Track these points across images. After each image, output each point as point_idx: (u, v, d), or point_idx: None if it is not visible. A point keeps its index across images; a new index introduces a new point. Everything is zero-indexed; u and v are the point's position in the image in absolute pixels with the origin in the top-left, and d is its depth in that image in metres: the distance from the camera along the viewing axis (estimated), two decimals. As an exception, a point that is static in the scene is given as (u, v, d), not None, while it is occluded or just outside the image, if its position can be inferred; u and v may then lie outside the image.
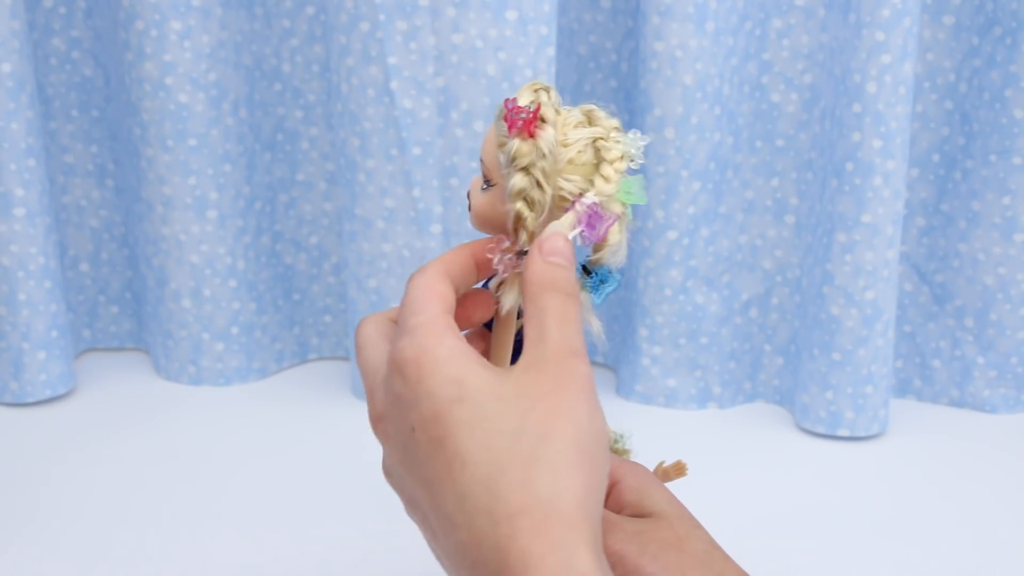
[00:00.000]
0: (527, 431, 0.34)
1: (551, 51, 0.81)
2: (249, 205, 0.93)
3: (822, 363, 0.85)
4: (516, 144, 0.41)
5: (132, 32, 0.85)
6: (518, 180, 0.41)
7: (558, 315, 0.37)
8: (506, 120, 0.41)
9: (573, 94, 0.92)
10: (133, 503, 0.73)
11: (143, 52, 0.85)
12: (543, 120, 0.41)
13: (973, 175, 0.87)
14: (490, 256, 0.42)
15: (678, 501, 0.46)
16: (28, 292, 0.87)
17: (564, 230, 0.40)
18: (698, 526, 0.45)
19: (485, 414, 0.35)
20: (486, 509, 0.34)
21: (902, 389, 0.95)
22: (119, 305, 1.02)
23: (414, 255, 0.85)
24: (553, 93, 0.42)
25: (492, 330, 0.45)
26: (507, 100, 0.42)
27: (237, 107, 0.90)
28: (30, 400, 0.89)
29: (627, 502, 0.45)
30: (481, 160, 0.44)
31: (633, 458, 0.75)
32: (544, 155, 0.41)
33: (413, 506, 0.39)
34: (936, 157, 0.89)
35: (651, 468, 0.71)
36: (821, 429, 0.86)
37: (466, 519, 0.34)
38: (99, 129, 0.96)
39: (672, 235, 0.87)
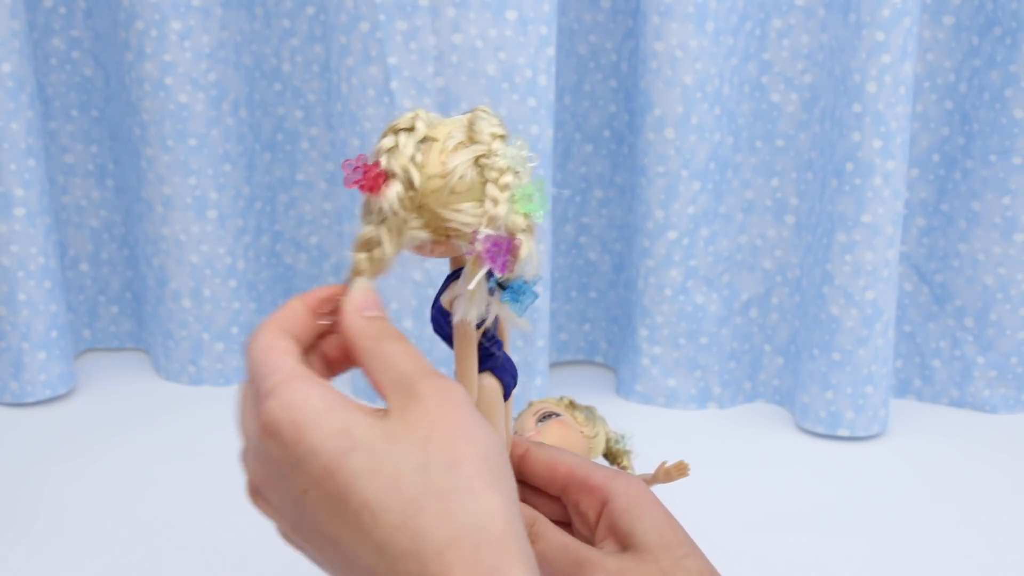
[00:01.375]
0: (432, 463, 0.33)
1: (551, 51, 0.81)
2: (249, 205, 0.93)
3: (822, 363, 0.85)
4: (365, 199, 0.40)
5: (132, 32, 0.85)
6: (365, 231, 0.40)
7: (402, 355, 0.37)
8: (345, 177, 0.40)
9: (573, 94, 0.92)
10: (133, 503, 0.73)
11: (143, 52, 0.85)
12: (390, 175, 0.39)
13: (973, 175, 0.87)
14: (321, 314, 0.40)
15: (671, 524, 0.44)
16: (28, 292, 0.87)
17: (467, 284, 0.39)
18: (688, 554, 0.43)
19: (382, 458, 0.33)
20: (411, 551, 0.32)
21: (902, 389, 0.95)
22: (119, 305, 1.02)
23: (414, 255, 0.85)
24: (419, 125, 0.40)
25: (454, 349, 0.43)
26: (355, 158, 0.40)
27: (237, 107, 0.90)
28: (30, 400, 0.89)
29: (615, 524, 0.44)
30: None
31: (633, 458, 0.75)
32: (386, 216, 0.39)
33: (323, 565, 0.37)
34: (936, 157, 0.89)
35: (652, 468, 0.72)
36: (821, 429, 0.86)
37: (390, 566, 0.33)
38: (99, 129, 0.96)
39: (672, 235, 0.87)
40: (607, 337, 1.00)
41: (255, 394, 0.36)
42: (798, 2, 0.85)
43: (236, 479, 0.80)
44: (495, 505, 0.33)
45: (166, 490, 0.75)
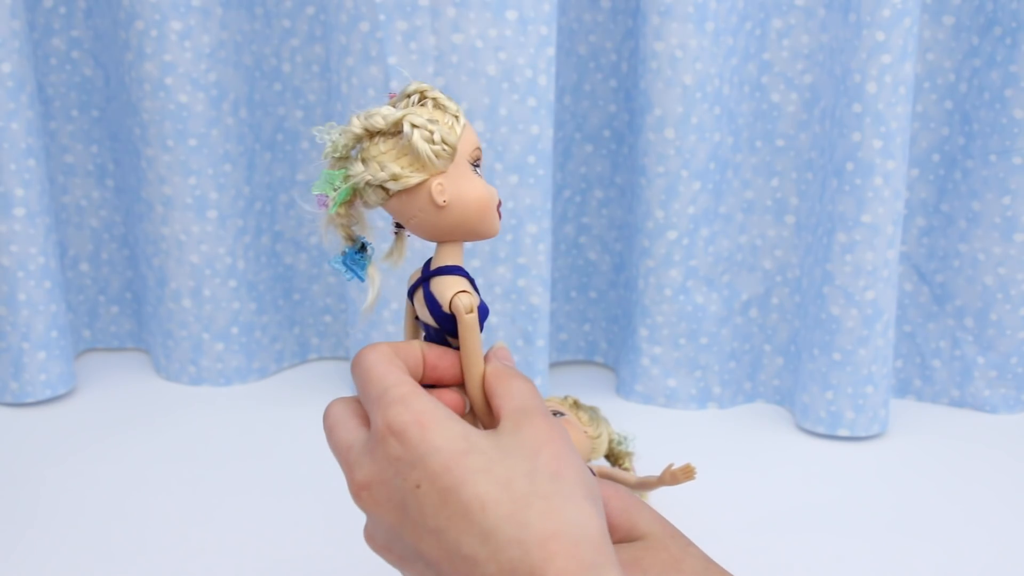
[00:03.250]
0: (540, 471, 0.38)
1: (551, 51, 0.81)
2: (249, 205, 0.93)
3: (822, 363, 0.85)
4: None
5: (132, 32, 0.85)
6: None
7: (527, 392, 0.42)
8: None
9: (573, 94, 0.92)
10: (133, 503, 0.73)
11: (143, 52, 0.85)
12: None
13: (973, 175, 0.87)
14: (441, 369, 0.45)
15: (665, 519, 0.47)
16: (28, 292, 0.87)
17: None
18: (690, 543, 0.46)
19: (496, 461, 0.38)
20: (516, 539, 0.36)
21: (902, 389, 0.95)
22: (119, 305, 1.02)
23: (415, 255, 0.85)
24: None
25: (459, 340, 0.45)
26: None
27: (237, 107, 0.90)
28: (30, 400, 0.89)
29: (616, 525, 0.46)
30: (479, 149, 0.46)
31: (635, 459, 0.75)
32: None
33: (411, 562, 0.40)
34: (936, 157, 0.89)
35: (652, 469, 0.72)
36: (821, 429, 0.86)
37: (492, 553, 0.36)
38: (99, 129, 0.96)
39: (672, 235, 0.87)
40: (607, 337, 1.00)
41: (376, 400, 0.41)
42: (798, 2, 0.85)
43: (236, 479, 0.80)
44: (592, 514, 0.37)
45: (166, 490, 0.75)
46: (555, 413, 0.73)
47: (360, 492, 0.41)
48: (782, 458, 0.83)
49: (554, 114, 0.85)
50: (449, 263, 0.46)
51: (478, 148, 0.45)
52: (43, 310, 0.89)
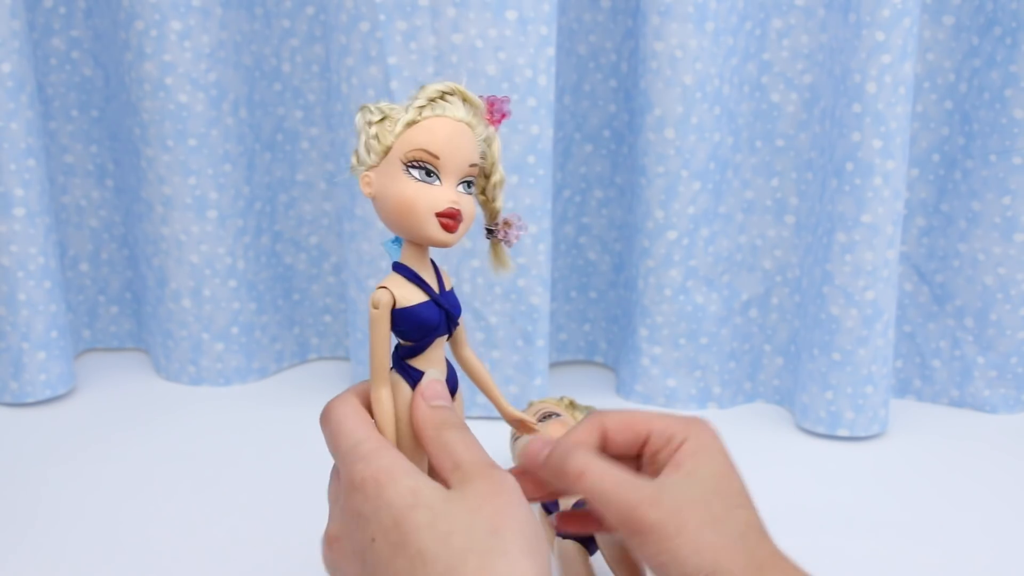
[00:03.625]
0: (479, 526, 0.39)
1: (551, 51, 0.81)
2: (249, 205, 0.93)
3: (822, 363, 0.85)
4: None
5: (132, 32, 0.85)
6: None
7: (461, 444, 0.43)
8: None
9: (573, 94, 0.92)
10: (133, 503, 0.73)
11: (143, 52, 0.85)
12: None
13: (973, 175, 0.87)
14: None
15: (729, 473, 0.48)
16: (28, 292, 0.87)
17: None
18: (741, 505, 0.48)
19: (440, 515, 0.40)
20: None
21: (902, 389, 0.95)
22: (119, 305, 1.02)
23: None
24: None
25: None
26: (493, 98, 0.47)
27: (237, 107, 0.90)
28: (30, 400, 0.89)
29: (681, 464, 0.48)
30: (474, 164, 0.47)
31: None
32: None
33: None
34: (936, 157, 0.89)
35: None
36: (821, 429, 0.86)
37: None
38: (99, 129, 0.96)
39: (672, 235, 0.87)
40: (607, 337, 1.00)
41: (344, 456, 0.44)
42: (798, 2, 0.85)
43: (235, 479, 0.80)
44: (526, 567, 0.38)
45: (166, 490, 0.75)
46: (551, 414, 0.73)
47: (330, 543, 0.44)
48: (782, 458, 0.83)
49: (554, 114, 0.85)
50: (399, 260, 0.47)
51: (424, 152, 0.45)
52: (43, 310, 0.89)
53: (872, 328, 0.83)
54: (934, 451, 0.85)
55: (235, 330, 0.94)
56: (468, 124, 0.46)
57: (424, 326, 0.46)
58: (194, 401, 0.92)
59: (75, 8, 0.93)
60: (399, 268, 0.47)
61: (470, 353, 0.51)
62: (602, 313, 0.99)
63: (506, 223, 0.50)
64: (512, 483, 0.42)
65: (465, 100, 0.46)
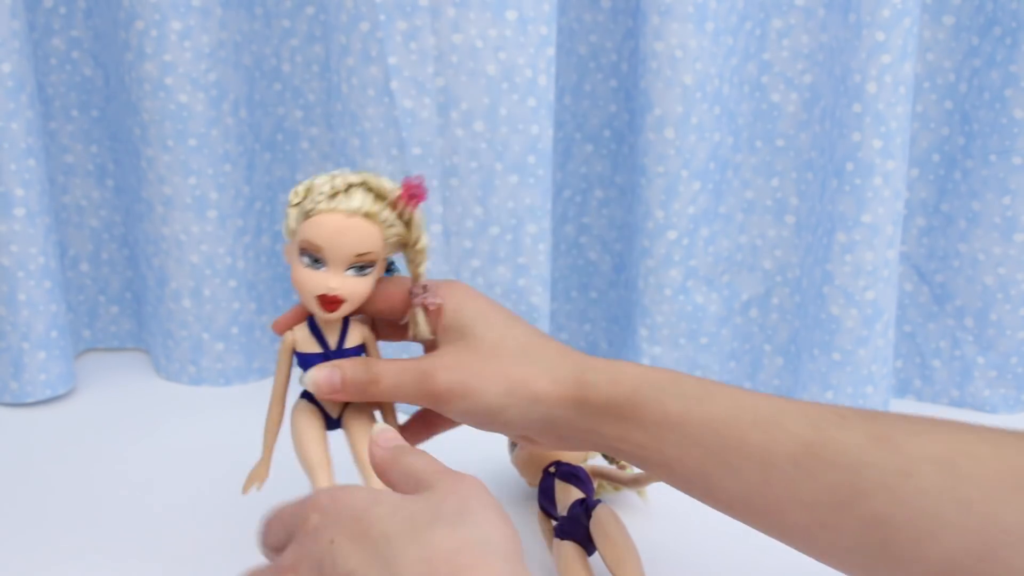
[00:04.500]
0: (445, 511, 0.38)
1: (551, 51, 0.81)
2: (249, 205, 0.93)
3: (822, 363, 0.85)
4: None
5: (132, 32, 0.85)
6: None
7: (417, 461, 0.44)
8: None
9: (574, 94, 0.92)
10: (133, 503, 0.73)
11: (143, 52, 0.85)
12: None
13: (973, 175, 0.87)
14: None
15: (492, 307, 0.55)
16: (28, 292, 0.87)
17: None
18: (512, 325, 0.53)
19: (401, 506, 0.39)
20: (421, 559, 0.36)
21: (902, 389, 0.95)
22: (119, 305, 1.02)
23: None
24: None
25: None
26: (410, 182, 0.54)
27: (237, 107, 0.90)
28: (30, 400, 0.89)
29: (448, 329, 0.53)
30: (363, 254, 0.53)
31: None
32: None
33: None
34: (936, 157, 0.89)
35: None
36: (821, 429, 0.86)
37: None
38: (99, 129, 0.96)
39: (672, 235, 0.87)
40: (607, 337, 1.00)
41: (300, 504, 0.44)
42: (798, 2, 0.85)
43: (235, 479, 0.80)
44: (501, 529, 0.38)
45: (166, 490, 0.75)
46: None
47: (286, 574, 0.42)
48: (782, 458, 0.83)
49: (554, 114, 0.85)
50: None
51: (309, 243, 0.51)
52: (43, 310, 0.89)
53: (872, 328, 0.83)
54: (934, 451, 0.85)
55: (235, 330, 0.94)
56: (365, 214, 0.52)
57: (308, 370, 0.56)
58: (194, 401, 0.92)
59: (75, 8, 0.93)
60: (309, 319, 0.56)
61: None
62: (602, 313, 0.99)
63: (424, 288, 0.56)
64: (476, 478, 0.41)
65: (370, 190, 0.52)
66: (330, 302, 0.53)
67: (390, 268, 0.58)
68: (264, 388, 0.96)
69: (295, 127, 0.95)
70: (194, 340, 0.94)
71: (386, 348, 0.57)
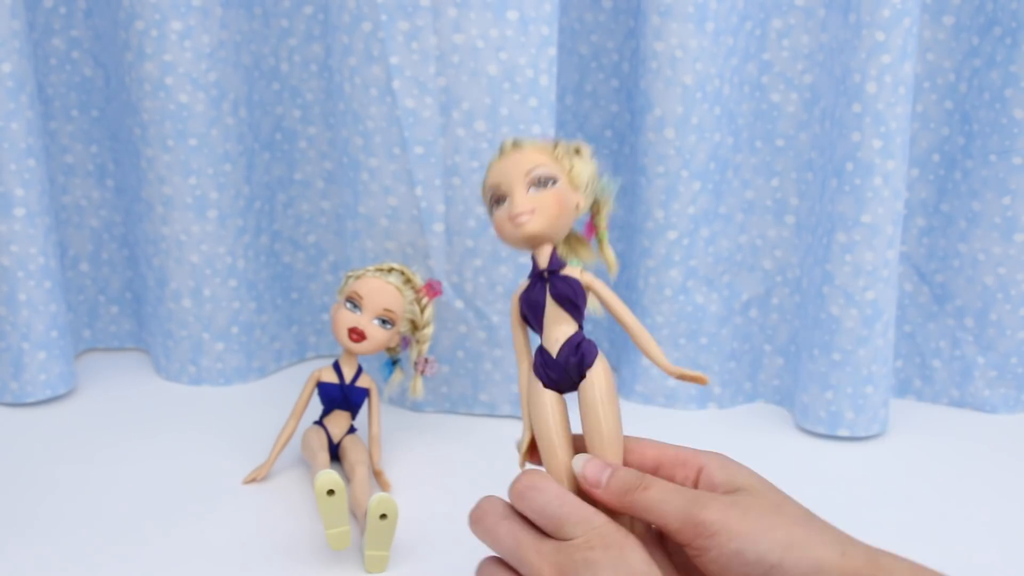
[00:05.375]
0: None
1: (552, 51, 0.81)
2: (249, 204, 0.93)
3: (822, 363, 0.85)
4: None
5: (132, 32, 0.85)
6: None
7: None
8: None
9: (575, 94, 0.92)
10: (133, 503, 0.73)
11: (143, 52, 0.85)
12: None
13: (973, 175, 0.87)
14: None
15: (764, 478, 0.49)
16: (28, 292, 0.87)
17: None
18: (787, 498, 0.48)
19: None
20: None
21: (902, 389, 0.95)
22: (119, 305, 1.02)
23: (417, 252, 0.85)
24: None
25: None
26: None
27: (237, 107, 0.90)
28: (30, 400, 0.89)
29: (718, 482, 0.49)
30: (391, 310, 0.77)
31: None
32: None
33: None
34: (936, 157, 0.89)
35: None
36: (821, 429, 0.86)
37: None
38: (99, 129, 0.96)
39: (672, 235, 0.87)
40: (608, 337, 1.00)
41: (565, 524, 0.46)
42: (798, 2, 0.85)
43: (235, 478, 0.80)
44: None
45: (166, 490, 0.75)
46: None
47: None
48: (782, 458, 0.83)
49: (555, 114, 0.85)
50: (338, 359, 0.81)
51: (355, 292, 0.76)
52: (43, 310, 0.88)
53: (872, 328, 0.83)
54: (934, 451, 0.85)
55: (235, 329, 0.94)
56: (396, 287, 0.76)
57: (324, 397, 0.78)
58: (194, 401, 0.92)
59: (75, 8, 0.93)
60: (335, 362, 0.78)
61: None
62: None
63: (426, 361, 0.78)
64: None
65: (403, 274, 0.77)
66: (358, 334, 0.75)
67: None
68: (264, 388, 0.96)
69: (293, 126, 0.95)
70: (194, 340, 0.94)
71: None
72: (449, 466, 0.80)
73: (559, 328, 0.51)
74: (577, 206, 0.54)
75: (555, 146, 0.53)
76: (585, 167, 0.54)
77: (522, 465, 0.53)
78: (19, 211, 0.86)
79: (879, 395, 0.85)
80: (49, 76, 0.94)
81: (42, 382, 0.89)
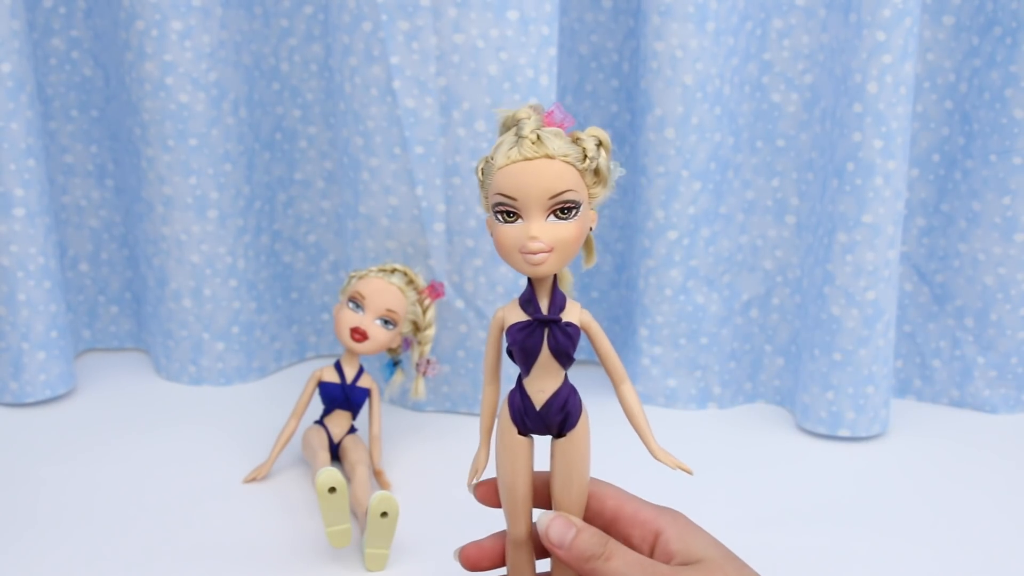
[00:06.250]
0: None
1: (552, 51, 0.81)
2: (249, 204, 0.93)
3: (823, 363, 0.85)
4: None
5: (132, 32, 0.85)
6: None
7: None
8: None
9: (575, 94, 0.92)
10: (133, 503, 0.73)
11: (143, 52, 0.85)
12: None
13: (973, 175, 0.87)
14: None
15: (721, 544, 0.48)
16: (28, 292, 0.87)
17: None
18: (746, 566, 0.47)
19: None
20: None
21: (902, 389, 0.95)
22: (119, 305, 1.02)
23: (418, 252, 0.85)
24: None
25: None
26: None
27: (237, 107, 0.90)
28: (30, 400, 0.89)
29: (675, 551, 0.48)
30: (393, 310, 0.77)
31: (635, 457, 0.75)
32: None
33: None
34: (936, 157, 0.89)
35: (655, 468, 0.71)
36: (822, 429, 0.86)
37: None
38: (99, 129, 0.96)
39: (672, 235, 0.87)
40: (608, 337, 1.00)
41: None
42: (798, 2, 0.85)
43: (236, 478, 0.80)
44: None
45: (166, 490, 0.75)
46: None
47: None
48: (782, 458, 0.83)
49: (555, 114, 0.85)
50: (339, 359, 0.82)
51: (357, 293, 0.77)
52: (43, 310, 0.88)
53: (873, 328, 0.83)
54: (934, 451, 0.85)
55: (235, 329, 0.94)
56: (399, 288, 0.77)
57: (325, 396, 0.78)
58: (194, 401, 0.92)
59: (75, 8, 0.92)
60: (336, 362, 0.78)
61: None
62: (603, 313, 0.99)
63: (428, 362, 0.79)
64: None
65: (406, 275, 0.79)
66: (360, 334, 0.76)
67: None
68: (264, 387, 0.96)
69: (293, 126, 0.95)
70: (194, 340, 0.94)
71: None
72: (449, 465, 0.80)
73: (548, 379, 0.48)
74: (591, 228, 0.48)
75: (584, 156, 0.46)
76: (611, 167, 0.48)
77: (470, 484, 0.51)
78: (19, 211, 0.86)
79: (880, 395, 0.85)
80: (49, 76, 0.94)
81: (42, 382, 0.89)
